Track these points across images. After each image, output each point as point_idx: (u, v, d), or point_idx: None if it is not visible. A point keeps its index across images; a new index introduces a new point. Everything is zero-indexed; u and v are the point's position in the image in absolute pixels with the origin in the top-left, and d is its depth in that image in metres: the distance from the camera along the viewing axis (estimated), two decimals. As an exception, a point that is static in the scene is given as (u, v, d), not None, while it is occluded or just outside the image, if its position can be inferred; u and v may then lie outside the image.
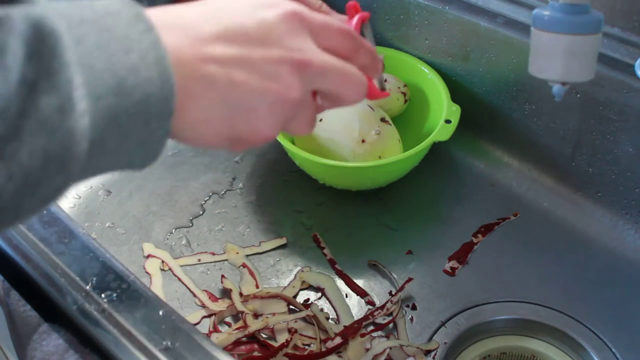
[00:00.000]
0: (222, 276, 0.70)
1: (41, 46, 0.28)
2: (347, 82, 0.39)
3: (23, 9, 0.28)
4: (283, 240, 0.75)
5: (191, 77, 0.34)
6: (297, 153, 0.73)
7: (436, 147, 0.76)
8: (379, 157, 0.74)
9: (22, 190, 0.28)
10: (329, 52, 0.39)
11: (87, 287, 0.50)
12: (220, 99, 0.35)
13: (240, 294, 0.69)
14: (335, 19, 0.41)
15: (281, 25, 0.37)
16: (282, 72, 0.36)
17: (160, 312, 0.49)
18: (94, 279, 0.51)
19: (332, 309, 0.69)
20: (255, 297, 0.68)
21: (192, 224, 0.77)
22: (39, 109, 0.27)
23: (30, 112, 0.27)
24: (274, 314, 0.67)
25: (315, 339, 0.64)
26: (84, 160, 0.30)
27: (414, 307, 0.68)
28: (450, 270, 0.72)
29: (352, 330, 0.64)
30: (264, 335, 0.65)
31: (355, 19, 0.49)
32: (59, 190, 0.30)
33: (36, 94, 0.27)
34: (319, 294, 0.70)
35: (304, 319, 0.67)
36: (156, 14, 0.34)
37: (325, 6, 0.49)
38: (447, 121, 0.75)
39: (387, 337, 0.65)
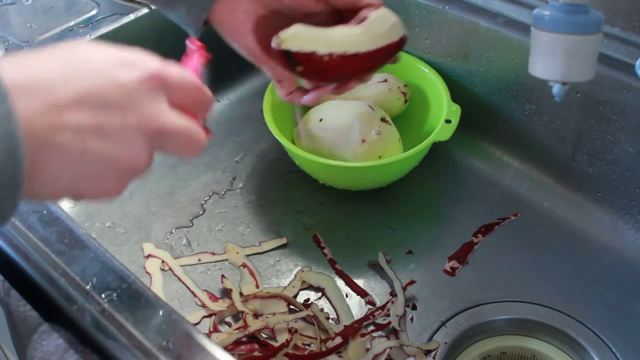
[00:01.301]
0: (222, 276, 0.71)
1: None
2: (190, 144, 0.40)
3: None
4: (283, 240, 0.75)
5: (43, 146, 0.33)
6: (297, 153, 0.73)
7: (436, 147, 0.76)
8: (379, 157, 0.74)
9: None
10: (178, 106, 0.40)
11: (87, 287, 0.50)
12: (70, 166, 0.35)
13: (241, 294, 0.69)
14: (188, 74, 0.41)
15: (141, 89, 0.37)
16: (136, 140, 0.37)
17: (160, 312, 0.49)
18: (94, 279, 0.51)
19: (332, 309, 0.69)
20: (255, 297, 0.68)
21: (192, 224, 0.77)
22: None
23: None
24: (274, 314, 0.67)
25: (316, 339, 0.64)
26: None
27: (414, 307, 0.68)
28: (450, 270, 0.72)
29: (352, 330, 0.64)
30: (264, 335, 0.65)
31: (196, 59, 0.50)
32: None
33: None
34: (319, 294, 0.70)
35: (304, 319, 0.67)
36: (13, 74, 0.33)
37: None
38: (447, 121, 0.75)
39: (387, 337, 0.65)
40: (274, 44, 0.58)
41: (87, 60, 0.36)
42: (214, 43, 0.89)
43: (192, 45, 0.51)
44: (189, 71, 0.42)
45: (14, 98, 0.32)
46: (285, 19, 0.60)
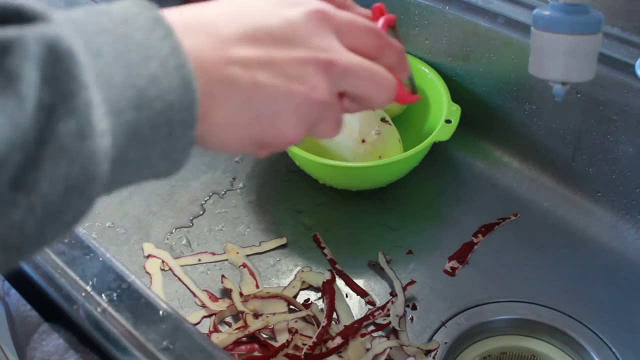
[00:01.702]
0: (222, 276, 0.70)
1: (57, 68, 0.26)
2: (374, 83, 0.38)
3: (37, 29, 0.26)
4: (283, 240, 0.75)
5: (214, 80, 0.33)
6: (297, 153, 0.73)
7: (436, 147, 0.76)
8: (379, 157, 0.74)
9: (44, 220, 0.27)
10: (356, 51, 0.38)
11: (87, 287, 0.50)
12: (244, 102, 0.34)
13: (241, 294, 0.69)
14: (361, 18, 0.39)
15: (306, 25, 0.36)
16: (307, 73, 0.35)
17: (160, 312, 0.49)
18: (94, 279, 0.51)
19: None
20: (255, 297, 0.68)
21: (192, 224, 0.77)
22: (57, 135, 0.26)
23: (48, 140, 0.26)
24: (274, 314, 0.67)
25: (316, 343, 0.64)
26: (106, 180, 0.29)
27: (414, 307, 0.68)
28: (450, 270, 0.72)
29: (352, 331, 0.64)
30: (264, 335, 0.65)
31: (381, 21, 0.46)
32: (82, 213, 0.29)
33: (54, 120, 0.26)
34: (319, 294, 0.70)
35: (304, 319, 0.67)
36: (175, 15, 0.33)
37: (349, 0, 0.48)
38: (447, 121, 0.75)
39: (387, 337, 0.65)
40: None
41: (251, 2, 0.36)
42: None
43: (373, 9, 0.46)
44: (365, 19, 0.39)
45: (180, 35, 0.31)
46: None
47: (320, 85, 0.36)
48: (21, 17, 0.27)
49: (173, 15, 0.33)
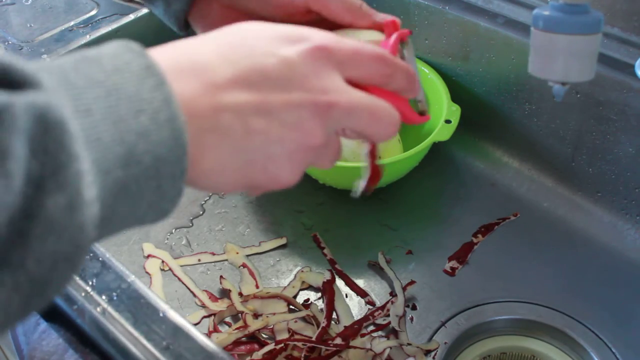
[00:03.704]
0: (221, 277, 0.70)
1: (47, 140, 0.25)
2: (376, 122, 0.37)
3: (27, 98, 0.25)
4: (283, 240, 0.75)
5: (205, 129, 0.31)
6: (297, 153, 0.73)
7: (436, 147, 0.76)
8: (379, 157, 0.74)
9: (30, 296, 0.26)
10: (361, 81, 0.37)
11: (87, 287, 0.50)
12: (236, 149, 0.33)
13: (240, 294, 0.69)
14: (367, 45, 0.37)
15: (305, 64, 0.34)
16: (303, 117, 0.34)
17: (160, 312, 0.49)
18: (94, 279, 0.51)
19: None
20: (255, 297, 0.68)
21: (192, 224, 0.77)
22: (46, 210, 0.25)
23: (37, 215, 0.25)
24: (274, 314, 0.67)
25: (318, 347, 0.64)
26: (92, 242, 0.28)
27: (414, 307, 0.68)
28: (450, 270, 0.72)
29: (353, 331, 0.64)
30: (264, 336, 0.65)
31: (393, 37, 0.45)
32: (67, 281, 0.28)
33: (43, 195, 0.25)
34: (319, 294, 0.70)
35: (303, 319, 0.67)
36: (167, 57, 0.32)
37: (365, 6, 0.46)
38: (447, 121, 0.75)
39: (387, 337, 0.65)
40: None
41: (244, 38, 0.34)
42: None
43: (386, 24, 0.45)
44: (370, 44, 0.37)
45: (171, 81, 0.30)
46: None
47: (316, 131, 0.34)
48: (9, 79, 0.26)
49: (165, 57, 0.32)
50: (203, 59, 0.33)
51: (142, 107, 0.29)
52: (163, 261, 0.73)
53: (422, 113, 0.44)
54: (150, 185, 0.30)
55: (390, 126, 0.37)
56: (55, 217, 0.25)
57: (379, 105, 0.37)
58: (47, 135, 0.25)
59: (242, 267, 0.72)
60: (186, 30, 0.55)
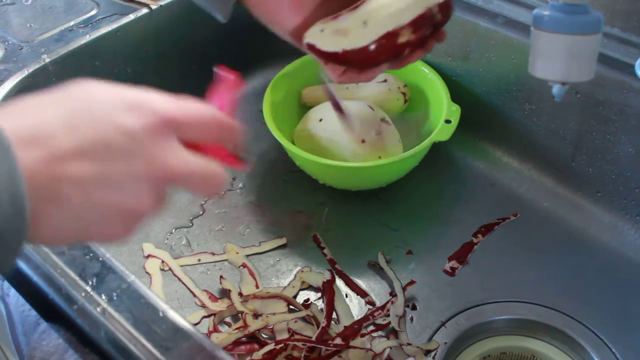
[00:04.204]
0: (221, 277, 0.70)
1: None
2: (206, 183, 0.39)
3: None
4: (283, 240, 0.75)
5: (45, 199, 0.33)
6: (297, 153, 0.73)
7: (436, 147, 0.76)
8: (379, 157, 0.74)
9: None
10: (200, 142, 0.39)
11: (87, 287, 0.50)
12: (74, 217, 0.34)
13: (240, 294, 0.69)
14: (200, 108, 0.40)
15: (147, 135, 0.36)
16: (142, 187, 0.36)
17: (160, 312, 0.49)
18: (94, 279, 0.51)
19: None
20: (255, 297, 0.68)
21: (192, 224, 0.77)
22: None
23: None
24: (273, 314, 0.67)
25: (317, 348, 0.64)
26: None
27: (414, 307, 0.68)
28: (450, 270, 0.72)
29: (353, 331, 0.64)
30: (264, 336, 0.65)
31: (224, 90, 0.48)
32: None
33: None
34: (319, 294, 0.70)
35: (303, 319, 0.67)
36: (14, 126, 0.33)
37: None
38: (447, 121, 0.75)
39: (387, 337, 0.65)
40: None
41: (90, 106, 0.35)
42: (213, 42, 0.89)
43: (222, 73, 0.48)
44: (203, 105, 0.41)
45: (16, 151, 0.31)
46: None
47: (152, 197, 0.37)
48: None
49: (10, 126, 0.32)
50: (47, 129, 0.34)
51: None
52: (163, 261, 0.73)
53: (242, 158, 0.48)
54: None
55: (217, 186, 0.40)
56: None
57: (210, 169, 0.39)
58: None
59: (242, 267, 0.72)
60: (229, 17, 0.57)
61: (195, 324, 0.66)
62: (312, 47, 0.58)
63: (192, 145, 0.40)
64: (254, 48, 0.92)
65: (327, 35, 0.57)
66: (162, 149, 0.36)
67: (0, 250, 0.32)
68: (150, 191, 0.36)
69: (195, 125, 0.39)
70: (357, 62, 0.58)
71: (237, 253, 0.73)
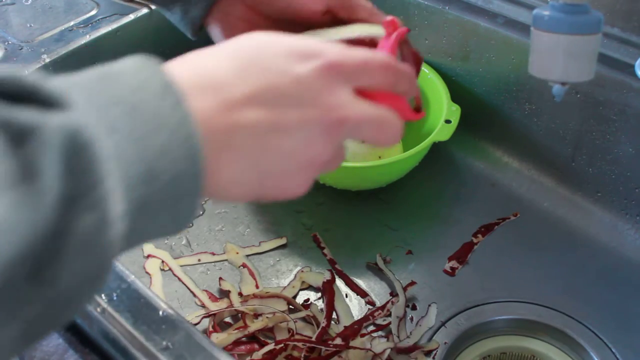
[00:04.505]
0: (220, 278, 0.70)
1: (78, 161, 0.26)
2: (382, 131, 0.38)
3: (58, 119, 0.26)
4: (283, 240, 0.75)
5: (221, 146, 0.33)
6: (297, 153, 0.73)
7: (436, 147, 0.76)
8: (379, 157, 0.74)
9: (58, 312, 0.27)
10: (369, 89, 0.38)
11: (87, 287, 0.50)
12: (251, 165, 0.34)
13: (240, 294, 0.69)
14: (375, 54, 0.38)
15: (317, 82, 0.35)
16: (316, 134, 0.35)
17: (160, 312, 0.49)
18: (94, 279, 0.51)
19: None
20: (255, 297, 0.68)
21: (192, 224, 0.77)
22: (77, 230, 0.25)
23: (67, 235, 0.25)
24: (273, 314, 0.67)
25: (317, 348, 0.64)
26: (116, 258, 0.29)
27: (414, 308, 0.68)
28: (450, 270, 0.72)
29: (353, 331, 0.64)
30: (264, 336, 0.65)
31: (394, 37, 0.47)
32: (93, 296, 0.29)
33: (74, 214, 0.25)
34: (319, 294, 0.70)
35: (303, 319, 0.67)
36: (185, 73, 0.33)
37: (362, 2, 0.48)
38: (447, 121, 0.75)
39: (387, 337, 0.65)
40: None
41: (261, 54, 0.35)
42: (213, 42, 0.89)
43: (389, 22, 0.47)
44: (376, 52, 0.39)
45: (189, 99, 0.31)
46: (283, 27, 0.59)
47: (327, 145, 0.36)
48: (38, 98, 0.26)
49: (183, 73, 0.33)
50: (220, 76, 0.34)
51: (161, 124, 0.30)
52: (163, 261, 0.73)
53: (417, 109, 0.47)
54: (169, 201, 0.30)
55: (394, 135, 0.39)
56: (85, 236, 0.26)
57: (385, 117, 0.38)
58: (78, 156, 0.26)
59: (242, 267, 0.72)
60: (198, 36, 0.56)
61: (195, 324, 0.66)
62: None
63: (367, 95, 0.38)
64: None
65: None
66: (335, 97, 0.36)
67: (178, 198, 0.31)
68: (325, 139, 0.36)
69: (368, 71, 0.38)
70: None
71: (237, 253, 0.73)
